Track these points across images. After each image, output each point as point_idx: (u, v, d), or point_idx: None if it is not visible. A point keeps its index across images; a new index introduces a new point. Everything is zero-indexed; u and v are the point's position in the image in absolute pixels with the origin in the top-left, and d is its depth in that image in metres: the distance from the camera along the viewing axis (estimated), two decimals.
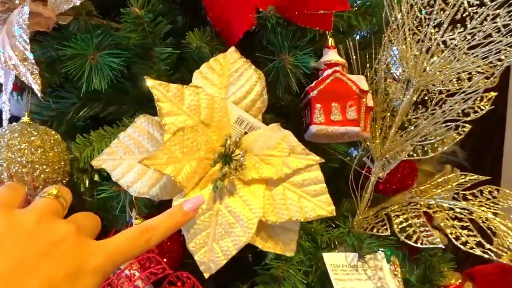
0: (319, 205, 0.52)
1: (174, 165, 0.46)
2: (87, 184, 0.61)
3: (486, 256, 0.52)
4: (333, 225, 0.73)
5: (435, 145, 0.64)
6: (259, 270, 0.65)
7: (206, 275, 0.49)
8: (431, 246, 0.56)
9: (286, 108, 0.72)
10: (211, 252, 0.49)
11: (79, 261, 0.31)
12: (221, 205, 0.49)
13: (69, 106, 0.67)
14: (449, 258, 0.82)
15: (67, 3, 0.51)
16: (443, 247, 0.57)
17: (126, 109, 0.69)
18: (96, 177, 0.61)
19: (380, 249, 0.68)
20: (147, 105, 0.67)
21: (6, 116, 0.57)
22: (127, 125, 0.63)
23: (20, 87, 0.68)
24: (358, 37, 0.75)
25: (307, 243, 0.69)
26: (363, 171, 0.70)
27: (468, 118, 0.64)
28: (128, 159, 0.53)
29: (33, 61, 0.50)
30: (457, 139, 0.65)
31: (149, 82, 0.49)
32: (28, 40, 0.50)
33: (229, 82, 0.55)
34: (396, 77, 0.69)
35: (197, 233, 0.48)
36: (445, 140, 0.61)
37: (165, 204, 0.52)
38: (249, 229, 0.48)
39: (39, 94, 0.52)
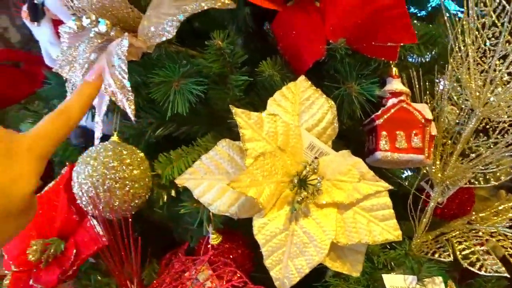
0: (387, 229, 0.55)
1: (256, 188, 0.51)
2: (165, 199, 0.66)
3: None
4: (389, 247, 0.76)
5: (498, 174, 0.65)
6: (319, 287, 0.69)
7: None
8: (496, 274, 0.58)
9: (347, 131, 0.75)
10: (286, 269, 0.52)
11: (7, 143, 0.34)
12: (296, 226, 0.53)
13: (147, 126, 0.73)
14: (504, 285, 0.82)
15: (160, 36, 0.57)
16: (509, 276, 0.58)
17: (197, 129, 0.74)
18: (173, 193, 0.67)
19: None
20: (216, 125, 0.72)
21: (98, 135, 0.63)
22: (201, 145, 0.69)
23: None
24: (418, 62, 0.78)
25: (364, 263, 0.71)
26: (421, 196, 0.72)
27: None
28: (208, 179, 0.57)
29: (129, 88, 0.56)
30: None
31: (234, 110, 0.54)
32: (126, 70, 0.56)
33: (301, 109, 0.59)
34: (456, 103, 0.71)
35: (273, 251, 0.52)
36: (508, 170, 0.62)
37: (242, 221, 0.56)
38: (322, 250, 0.52)
39: (132, 118, 0.57)
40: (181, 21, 0.56)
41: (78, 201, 0.61)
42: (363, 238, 0.54)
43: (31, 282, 0.63)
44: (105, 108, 0.62)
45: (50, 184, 0.68)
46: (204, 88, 0.63)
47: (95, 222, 0.62)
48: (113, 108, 0.66)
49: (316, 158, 0.57)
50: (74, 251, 0.62)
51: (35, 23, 0.77)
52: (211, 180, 0.57)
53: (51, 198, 0.67)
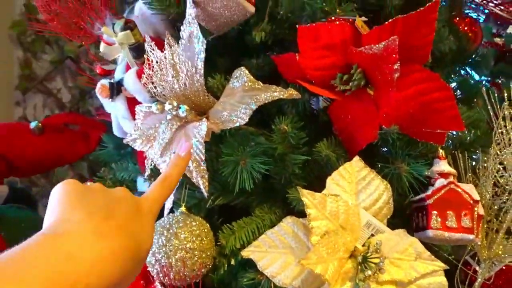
0: None
1: (322, 265, 0.55)
2: (226, 267, 0.71)
3: None
4: None
5: None
6: None
7: None
8: None
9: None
10: None
11: (137, 205, 0.40)
12: None
13: (208, 196, 0.79)
14: None
15: (233, 122, 0.64)
16: None
17: (252, 200, 0.80)
18: (233, 261, 0.72)
19: None
20: (272, 197, 0.78)
21: (169, 206, 0.70)
22: (259, 216, 0.74)
23: None
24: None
25: None
26: (468, 271, 0.75)
27: None
28: (272, 252, 0.62)
29: (205, 168, 0.63)
30: None
31: (301, 192, 0.60)
32: (203, 151, 0.63)
33: (358, 189, 0.64)
34: (499, 182, 0.75)
35: None
36: None
37: None
38: None
39: (205, 194, 0.64)
40: (253, 109, 0.64)
41: (150, 269, 0.66)
42: None
43: None
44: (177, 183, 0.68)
45: None
46: (267, 167, 0.69)
47: None
48: (182, 181, 0.73)
49: (372, 235, 0.62)
50: None
51: (110, 99, 0.86)
52: (275, 253, 0.62)
53: None
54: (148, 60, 0.70)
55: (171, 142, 0.68)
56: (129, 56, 0.80)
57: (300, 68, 0.70)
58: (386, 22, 0.64)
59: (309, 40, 0.69)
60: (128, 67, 0.85)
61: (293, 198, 0.70)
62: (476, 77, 1.02)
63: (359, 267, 0.57)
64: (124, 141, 0.80)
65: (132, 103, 0.84)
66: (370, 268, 0.56)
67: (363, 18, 0.70)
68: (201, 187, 0.64)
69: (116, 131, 0.91)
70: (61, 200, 0.38)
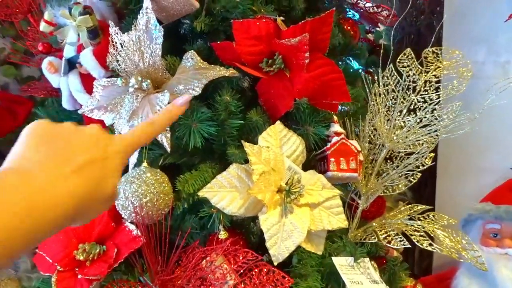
0: (340, 220, 0.85)
1: (261, 194, 0.78)
2: (181, 209, 0.90)
3: (431, 249, 0.88)
4: (331, 242, 1.06)
5: (399, 186, 1.01)
6: (290, 270, 0.96)
7: (276, 263, 0.79)
8: (402, 246, 0.91)
9: None
10: (279, 248, 0.80)
11: (105, 146, 0.41)
12: (286, 219, 0.81)
13: (158, 156, 0.96)
14: (406, 267, 1.18)
15: (188, 93, 0.83)
16: (410, 246, 0.92)
17: (195, 159, 0.99)
18: (186, 205, 0.91)
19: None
20: (210, 157, 0.98)
21: (132, 162, 0.86)
22: (203, 170, 0.94)
23: None
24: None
25: (315, 254, 1.01)
26: (353, 203, 1.05)
27: (418, 170, 1.02)
28: (221, 191, 0.83)
29: (168, 129, 0.81)
30: (411, 183, 1.03)
31: (244, 144, 0.81)
32: None
33: (281, 143, 0.89)
34: (372, 140, 1.06)
35: (272, 236, 0.79)
36: (405, 183, 0.98)
37: (247, 219, 0.82)
38: (303, 234, 0.80)
39: (168, 149, 0.81)
40: (204, 84, 0.83)
41: (122, 211, 0.82)
42: (325, 226, 0.84)
43: (79, 276, 0.81)
44: None
45: None
46: (213, 130, 0.89)
47: (132, 227, 0.83)
48: None
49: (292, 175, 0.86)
50: (116, 250, 0.82)
51: (63, 74, 0.97)
52: (224, 192, 0.83)
53: None
54: (112, 42, 0.84)
55: (137, 110, 0.83)
56: (86, 37, 0.92)
57: (235, 53, 0.91)
58: (299, 23, 0.89)
59: (242, 32, 0.90)
60: (80, 47, 0.97)
61: (231, 153, 0.92)
62: (356, 65, 1.34)
63: (286, 194, 0.81)
64: (80, 111, 0.93)
65: (85, 78, 0.96)
66: (293, 194, 0.80)
67: (282, 18, 0.94)
68: (165, 144, 0.82)
69: (65, 104, 1.02)
70: (28, 138, 0.38)
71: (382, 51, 1.03)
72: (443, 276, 1.31)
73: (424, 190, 1.59)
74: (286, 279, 0.75)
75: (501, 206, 1.16)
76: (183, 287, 0.79)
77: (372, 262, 1.03)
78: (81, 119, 1.04)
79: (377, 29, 1.66)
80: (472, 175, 1.51)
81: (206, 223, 0.89)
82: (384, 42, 1.45)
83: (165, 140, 0.81)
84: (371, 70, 1.45)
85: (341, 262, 0.96)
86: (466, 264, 1.25)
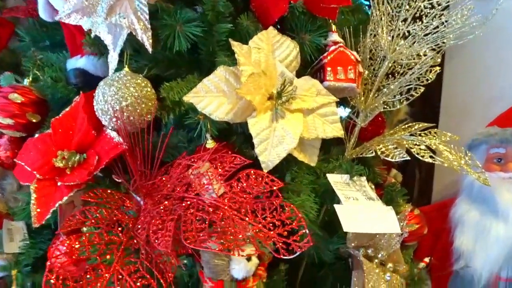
0: (335, 129, 0.80)
1: (250, 95, 0.72)
2: (167, 118, 0.84)
3: (432, 161, 0.83)
4: (326, 164, 1.02)
5: (401, 101, 0.95)
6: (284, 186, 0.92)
7: (265, 171, 0.75)
8: (401, 159, 0.86)
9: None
10: (270, 155, 0.75)
11: None
12: (277, 124, 0.75)
13: (142, 67, 0.90)
14: (404, 192, 1.14)
15: None
16: (409, 158, 0.87)
17: (182, 71, 0.92)
18: (172, 115, 0.85)
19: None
20: (198, 68, 0.92)
21: (112, 67, 0.79)
22: (190, 80, 0.88)
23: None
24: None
25: (310, 176, 0.96)
26: (350, 121, 0.99)
27: (422, 84, 0.95)
28: (208, 96, 0.77)
29: (149, 26, 0.74)
30: (413, 98, 0.96)
31: (232, 42, 0.75)
32: (147, 12, 0.73)
33: (273, 48, 0.82)
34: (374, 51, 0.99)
35: (261, 142, 0.74)
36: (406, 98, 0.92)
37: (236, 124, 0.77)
38: (295, 140, 0.75)
39: (150, 49, 0.75)
40: None
41: (102, 117, 0.77)
42: (319, 134, 0.78)
43: (59, 184, 0.77)
44: (121, 44, 0.78)
45: (67, 109, 0.82)
46: (200, 31, 0.82)
47: (114, 134, 0.78)
48: (124, 49, 0.82)
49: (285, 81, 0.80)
50: (96, 157, 0.77)
51: None
52: (211, 97, 0.77)
53: (68, 120, 0.81)
54: None
55: (115, 6, 0.76)
56: None
57: None
58: None
59: None
60: None
61: (221, 62, 0.85)
62: None
63: (277, 97, 0.75)
64: (56, 18, 0.85)
65: None
66: (285, 96, 0.74)
67: None
68: (146, 43, 0.75)
69: (42, 14, 0.95)
70: None
71: None
72: (442, 205, 1.28)
73: (426, 106, 1.52)
74: (275, 182, 0.71)
75: (508, 129, 1.10)
76: (168, 195, 0.75)
77: (370, 183, 0.99)
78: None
79: None
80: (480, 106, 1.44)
81: (193, 137, 0.84)
82: None
83: (145, 39, 0.75)
84: None
85: (336, 179, 0.91)
86: (466, 191, 1.21)
